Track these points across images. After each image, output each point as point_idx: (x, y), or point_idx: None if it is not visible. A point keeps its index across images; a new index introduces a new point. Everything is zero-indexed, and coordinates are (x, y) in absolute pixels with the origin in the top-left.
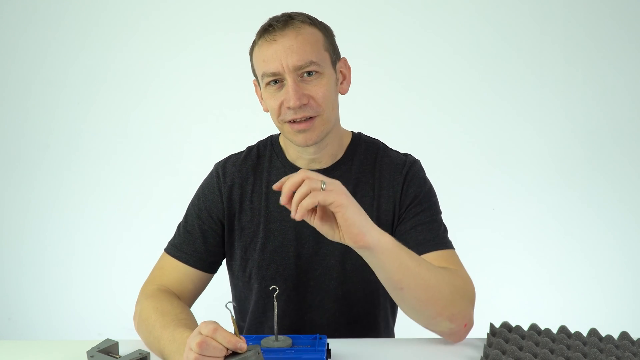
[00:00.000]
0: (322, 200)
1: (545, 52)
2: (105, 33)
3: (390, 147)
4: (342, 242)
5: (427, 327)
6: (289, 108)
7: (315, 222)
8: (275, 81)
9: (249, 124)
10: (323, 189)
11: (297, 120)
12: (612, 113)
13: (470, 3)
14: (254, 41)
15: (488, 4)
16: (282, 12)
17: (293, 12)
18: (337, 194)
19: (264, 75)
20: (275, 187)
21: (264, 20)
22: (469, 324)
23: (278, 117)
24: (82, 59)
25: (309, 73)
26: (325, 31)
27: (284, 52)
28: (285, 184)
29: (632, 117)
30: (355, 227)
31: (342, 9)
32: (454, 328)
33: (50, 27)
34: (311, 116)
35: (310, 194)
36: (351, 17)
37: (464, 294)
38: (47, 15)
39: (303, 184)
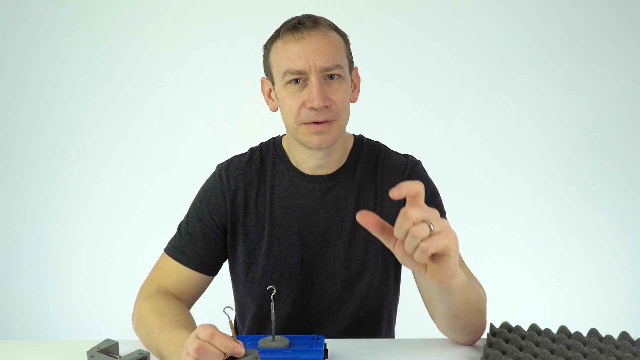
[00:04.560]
0: (435, 249)
1: (546, 51)
2: (104, 31)
3: (391, 149)
4: (420, 275)
5: (455, 340)
6: (311, 108)
7: (397, 252)
8: (297, 80)
9: (249, 123)
10: (432, 232)
11: (318, 122)
12: (615, 111)
13: (469, 7)
14: (275, 38)
15: (485, 9)
16: (286, 11)
17: (316, 15)
18: (449, 237)
19: (287, 72)
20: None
21: (266, 18)
22: (485, 329)
23: (296, 118)
24: (81, 58)
25: (332, 76)
26: (345, 38)
27: (312, 52)
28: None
29: (636, 115)
30: (450, 272)
31: (338, 9)
32: (478, 336)
33: (49, 26)
34: (330, 120)
35: (422, 247)
36: (348, 16)
37: (486, 303)
38: (45, 14)
39: (411, 234)
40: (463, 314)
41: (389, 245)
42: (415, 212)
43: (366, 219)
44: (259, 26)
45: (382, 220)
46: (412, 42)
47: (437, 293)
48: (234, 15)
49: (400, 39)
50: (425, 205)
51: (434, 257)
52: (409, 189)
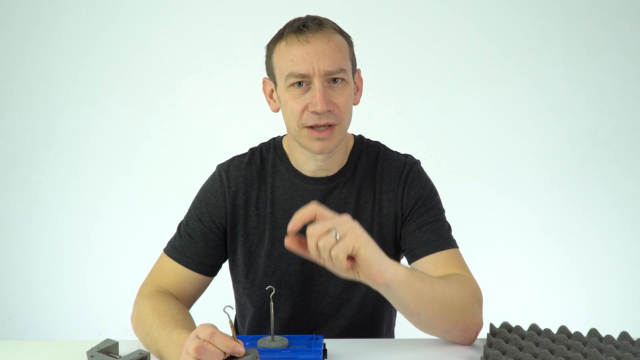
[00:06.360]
0: (344, 253)
1: (544, 53)
2: (104, 32)
3: (391, 149)
4: (357, 280)
5: (440, 337)
6: (313, 112)
7: (327, 267)
8: (300, 83)
9: (249, 123)
10: (337, 240)
11: (319, 126)
12: (611, 114)
13: (470, 4)
14: (278, 39)
15: (486, 6)
16: (288, 10)
17: (320, 17)
18: (353, 237)
19: (290, 75)
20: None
21: (267, 17)
22: (479, 329)
23: (298, 121)
24: (82, 58)
25: (335, 80)
26: (349, 41)
27: (317, 55)
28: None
29: (631, 118)
30: (374, 267)
31: (337, 10)
32: (467, 335)
33: (52, 27)
34: (332, 124)
35: (332, 255)
36: (348, 17)
37: (474, 301)
38: (49, 15)
39: (319, 248)
40: (422, 309)
41: (319, 262)
42: (315, 227)
43: (291, 244)
44: (261, 25)
45: (303, 240)
46: (413, 41)
47: (383, 293)
48: (235, 14)
49: (401, 38)
50: (329, 215)
51: (354, 259)
52: (301, 218)
